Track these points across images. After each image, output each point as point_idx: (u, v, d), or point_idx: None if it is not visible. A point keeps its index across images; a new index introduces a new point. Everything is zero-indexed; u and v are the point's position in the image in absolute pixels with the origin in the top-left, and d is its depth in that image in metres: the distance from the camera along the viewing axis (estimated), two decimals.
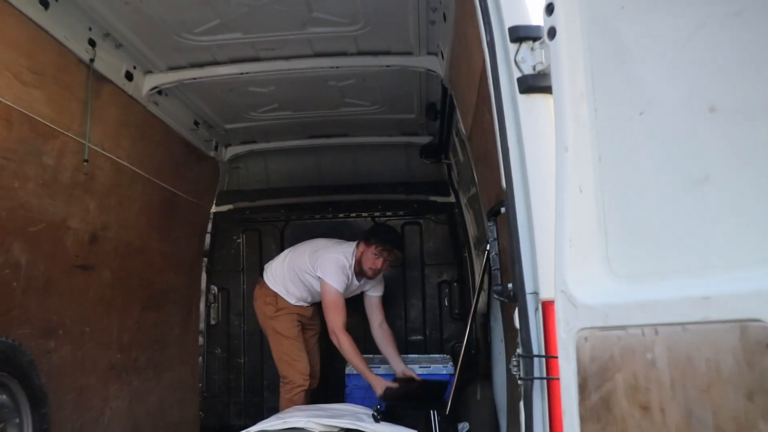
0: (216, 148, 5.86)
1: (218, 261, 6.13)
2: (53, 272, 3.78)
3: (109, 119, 4.13)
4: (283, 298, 5.08)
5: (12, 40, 3.17)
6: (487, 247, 3.73)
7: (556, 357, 1.86)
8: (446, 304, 6.00)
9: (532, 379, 1.92)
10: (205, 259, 6.06)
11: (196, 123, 5.30)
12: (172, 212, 5.28)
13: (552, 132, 2.02)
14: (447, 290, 6.00)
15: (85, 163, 3.81)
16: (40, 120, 3.47)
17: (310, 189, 6.15)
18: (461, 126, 4.27)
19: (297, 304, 5.10)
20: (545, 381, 1.91)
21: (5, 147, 3.24)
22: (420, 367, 5.08)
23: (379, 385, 4.55)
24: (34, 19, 3.24)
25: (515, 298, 1.98)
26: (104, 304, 4.37)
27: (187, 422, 5.58)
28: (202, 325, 6.00)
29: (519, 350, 1.97)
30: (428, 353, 5.83)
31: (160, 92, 4.58)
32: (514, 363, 1.97)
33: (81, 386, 4.10)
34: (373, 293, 5.15)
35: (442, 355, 5.68)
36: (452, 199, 5.98)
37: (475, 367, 4.68)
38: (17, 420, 3.13)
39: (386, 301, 6.00)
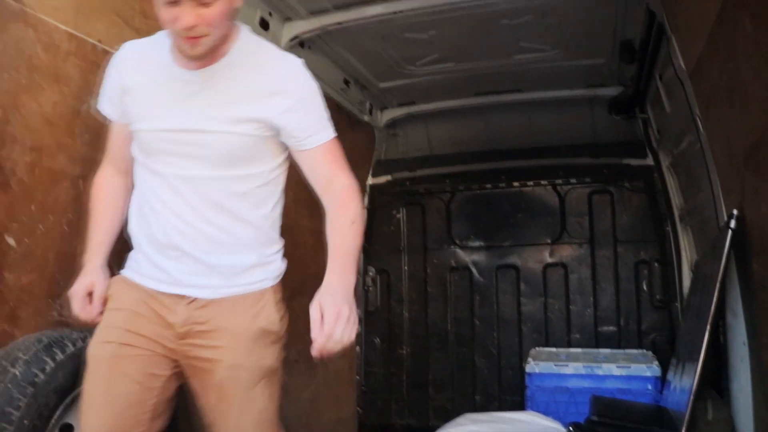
0: (370, 112, 5.19)
1: (376, 240, 5.45)
2: None
3: None
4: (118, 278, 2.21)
5: None
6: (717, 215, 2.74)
7: None
8: (645, 288, 4.97)
9: None
10: None
11: (346, 82, 4.63)
12: None
13: None
14: (646, 272, 4.96)
15: None
16: None
17: (479, 155, 5.34)
18: (678, 62, 3.29)
19: (141, 282, 2.15)
20: None
21: None
22: (617, 367, 4.15)
23: None
24: None
25: None
26: None
27: (344, 420, 5.00)
28: (359, 312, 5.39)
29: None
30: (623, 347, 4.86)
31: (302, 44, 3.93)
32: None
33: None
34: (301, 147, 2.09)
35: (641, 351, 4.67)
36: (650, 161, 4.91)
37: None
38: None
39: (570, 285, 5.11)
